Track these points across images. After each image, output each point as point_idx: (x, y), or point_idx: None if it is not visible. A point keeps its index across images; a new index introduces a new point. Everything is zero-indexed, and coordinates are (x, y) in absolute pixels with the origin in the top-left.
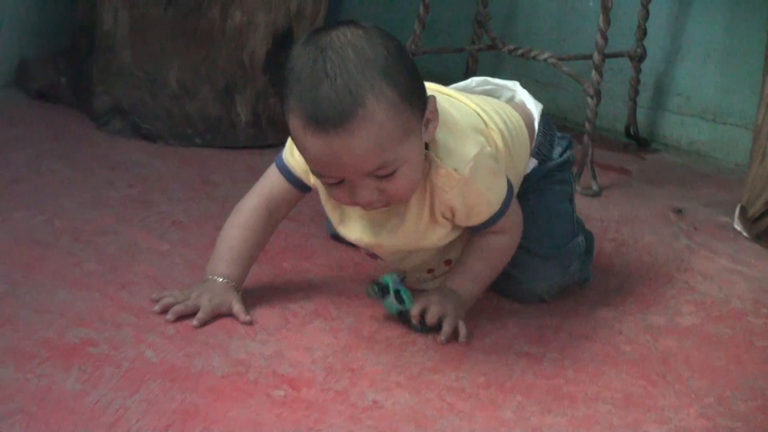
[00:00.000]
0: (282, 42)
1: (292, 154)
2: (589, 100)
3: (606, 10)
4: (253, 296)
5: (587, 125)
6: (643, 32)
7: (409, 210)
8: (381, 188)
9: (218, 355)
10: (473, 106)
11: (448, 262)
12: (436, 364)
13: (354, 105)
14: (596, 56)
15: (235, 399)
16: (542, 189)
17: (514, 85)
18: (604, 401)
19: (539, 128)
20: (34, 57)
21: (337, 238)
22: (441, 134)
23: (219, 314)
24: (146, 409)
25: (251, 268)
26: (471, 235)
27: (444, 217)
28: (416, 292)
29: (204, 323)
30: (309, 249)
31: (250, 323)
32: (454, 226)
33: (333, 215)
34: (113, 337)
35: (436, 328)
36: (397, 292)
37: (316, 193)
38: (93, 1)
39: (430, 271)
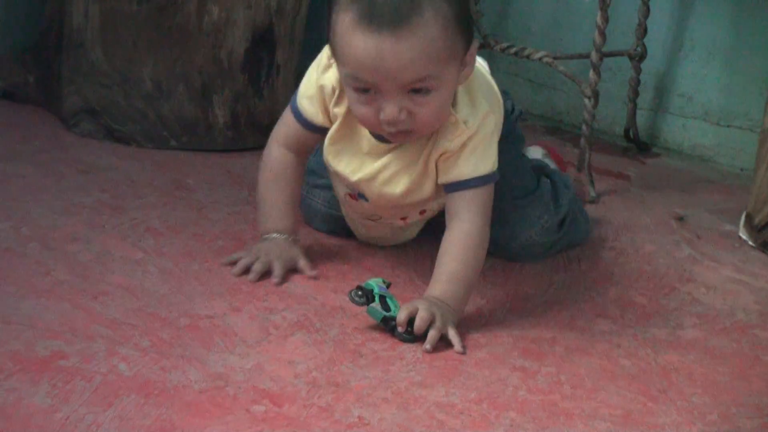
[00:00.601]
0: (262, 40)
1: (303, 97)
2: (586, 101)
3: (604, 6)
4: (232, 307)
5: (584, 128)
6: (643, 30)
7: (407, 150)
8: (410, 109)
9: (195, 369)
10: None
11: (422, 213)
12: (425, 378)
13: (412, 11)
14: (594, 55)
15: (213, 415)
16: (503, 149)
17: None
18: (603, 418)
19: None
20: (0, 54)
21: (319, 228)
22: (461, 87)
23: (289, 270)
24: (120, 426)
25: (225, 277)
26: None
27: (437, 165)
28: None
29: (282, 281)
30: None
31: (316, 278)
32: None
33: (331, 149)
34: (85, 350)
35: (423, 337)
36: (382, 298)
37: None
38: None
39: (403, 218)
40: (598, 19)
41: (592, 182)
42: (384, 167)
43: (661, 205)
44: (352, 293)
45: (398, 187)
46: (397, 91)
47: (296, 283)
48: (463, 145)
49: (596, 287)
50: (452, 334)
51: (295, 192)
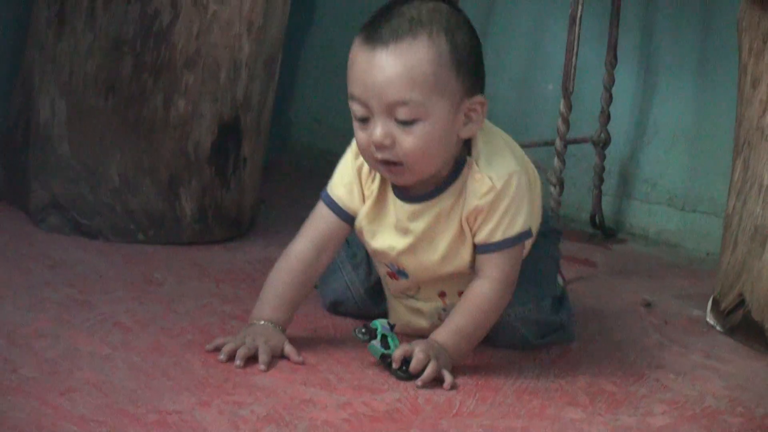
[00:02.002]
0: (228, 132)
1: (338, 186)
2: (551, 189)
3: (567, 93)
4: (201, 401)
5: (550, 214)
6: (606, 117)
7: (440, 212)
8: (395, 136)
9: None
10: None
11: (461, 293)
12: None
13: (408, 33)
14: (558, 143)
15: None
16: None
17: None
18: None
19: None
20: None
21: (334, 309)
22: (485, 146)
23: (275, 356)
24: None
25: (193, 371)
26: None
27: (468, 224)
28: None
29: (269, 366)
30: None
31: (302, 363)
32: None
33: (368, 229)
34: None
35: (418, 376)
36: (384, 337)
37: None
38: (29, 90)
39: (442, 294)
40: (562, 107)
41: (560, 269)
42: (421, 233)
43: (629, 291)
44: (356, 330)
45: (436, 253)
46: (384, 113)
47: (265, 376)
48: (494, 205)
49: (566, 375)
50: (445, 373)
51: (301, 293)
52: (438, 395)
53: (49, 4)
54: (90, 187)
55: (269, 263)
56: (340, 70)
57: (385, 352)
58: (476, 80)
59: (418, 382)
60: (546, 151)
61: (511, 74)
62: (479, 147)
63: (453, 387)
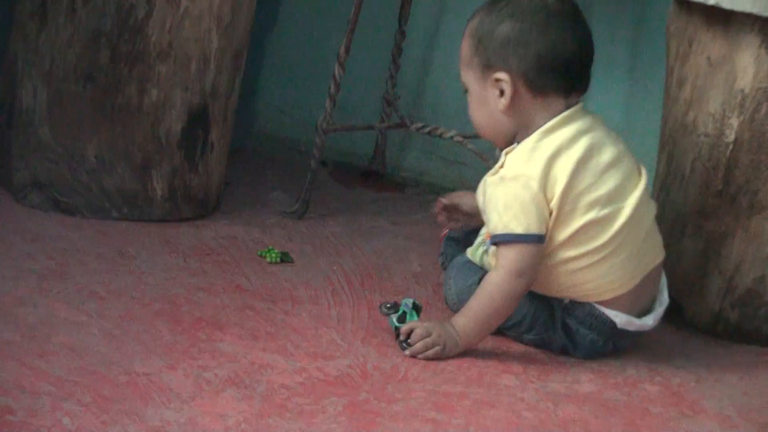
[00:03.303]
0: (197, 119)
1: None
2: None
3: None
4: (168, 365)
5: None
6: None
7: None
8: None
9: (133, 423)
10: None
11: None
12: (346, 430)
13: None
14: None
15: None
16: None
17: None
18: None
19: None
20: None
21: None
22: (534, 142)
23: None
24: None
25: (162, 337)
26: None
27: None
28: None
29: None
30: (223, 320)
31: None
32: None
33: None
34: (31, 406)
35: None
36: (403, 314)
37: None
38: (12, 78)
39: None
40: None
41: None
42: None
43: None
44: (383, 305)
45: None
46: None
47: (228, 342)
48: (495, 190)
49: (501, 346)
50: (432, 350)
51: None
52: (385, 363)
53: None
54: (69, 167)
55: (233, 240)
56: (302, 64)
57: (398, 325)
58: (495, 56)
59: (407, 351)
60: (488, 142)
61: (458, 73)
62: (528, 139)
63: (407, 353)
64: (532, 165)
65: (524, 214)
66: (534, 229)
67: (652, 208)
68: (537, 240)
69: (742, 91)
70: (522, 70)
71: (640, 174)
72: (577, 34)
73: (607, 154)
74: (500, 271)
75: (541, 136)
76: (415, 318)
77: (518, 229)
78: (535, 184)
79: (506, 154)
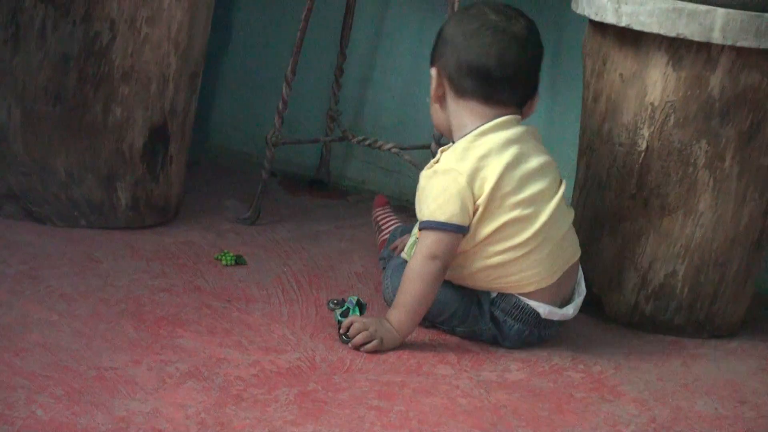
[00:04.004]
0: (157, 135)
1: None
2: None
3: None
4: (133, 360)
5: None
6: None
7: None
8: None
9: (102, 413)
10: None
11: None
12: (296, 417)
13: None
14: (433, 146)
15: None
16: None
17: None
18: None
19: None
20: None
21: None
22: (468, 142)
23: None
24: None
25: (127, 334)
26: None
27: None
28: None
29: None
30: (183, 318)
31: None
32: None
33: None
34: (7, 398)
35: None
36: (347, 310)
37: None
38: None
39: None
40: None
41: None
42: None
43: None
44: (330, 302)
45: None
46: None
47: (188, 339)
48: (429, 182)
49: (437, 338)
50: (372, 343)
51: None
52: (332, 355)
53: (6, 25)
54: (40, 180)
55: (191, 245)
56: (252, 83)
57: (341, 320)
58: (434, 53)
59: (350, 344)
60: (423, 153)
61: (396, 89)
62: (463, 140)
63: (345, 342)
64: (464, 163)
65: (449, 205)
66: (456, 219)
67: (569, 214)
68: (456, 230)
69: (652, 104)
70: (447, 70)
71: (560, 184)
72: (504, 50)
73: (533, 163)
74: (416, 256)
75: (474, 138)
76: (357, 314)
77: (441, 217)
78: (463, 180)
79: (442, 151)
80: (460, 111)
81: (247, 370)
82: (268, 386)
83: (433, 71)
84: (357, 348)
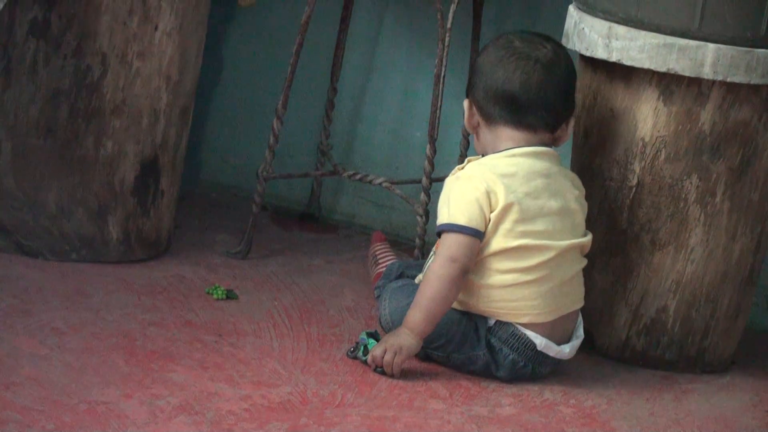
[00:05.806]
0: (149, 169)
1: None
2: (418, 218)
3: (432, 139)
4: (124, 394)
5: (417, 241)
6: (463, 158)
7: None
8: None
9: None
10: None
11: None
12: None
13: None
14: (424, 180)
15: None
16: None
17: None
18: None
19: None
20: None
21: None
22: (489, 159)
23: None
24: None
25: (118, 368)
26: None
27: None
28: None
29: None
30: (174, 352)
31: None
32: None
33: None
34: None
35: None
36: (365, 347)
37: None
38: None
39: None
40: (428, 151)
41: None
42: None
43: None
44: (348, 352)
45: None
46: None
47: (179, 373)
48: (450, 186)
49: (429, 373)
50: (395, 358)
51: None
52: (324, 390)
53: None
54: (31, 213)
55: (182, 279)
56: (243, 117)
57: (365, 359)
58: (468, 82)
59: (368, 358)
60: (414, 188)
61: (387, 124)
62: (493, 155)
63: (379, 366)
64: (487, 174)
65: (469, 209)
66: (474, 224)
67: (580, 263)
68: (474, 233)
69: (643, 139)
70: (476, 97)
71: (581, 234)
72: (528, 75)
73: (554, 203)
74: (437, 258)
75: (504, 156)
76: (374, 343)
77: (461, 220)
78: (482, 188)
79: (469, 161)
80: (493, 137)
81: (238, 405)
82: (260, 421)
83: (466, 103)
84: (391, 367)
